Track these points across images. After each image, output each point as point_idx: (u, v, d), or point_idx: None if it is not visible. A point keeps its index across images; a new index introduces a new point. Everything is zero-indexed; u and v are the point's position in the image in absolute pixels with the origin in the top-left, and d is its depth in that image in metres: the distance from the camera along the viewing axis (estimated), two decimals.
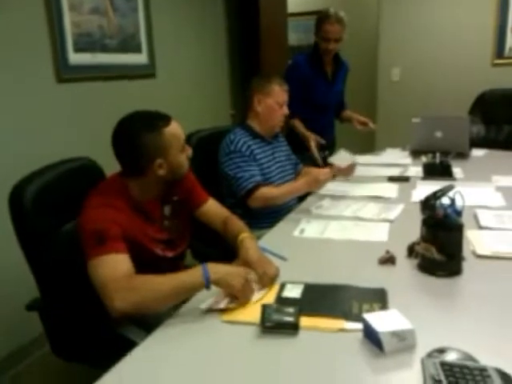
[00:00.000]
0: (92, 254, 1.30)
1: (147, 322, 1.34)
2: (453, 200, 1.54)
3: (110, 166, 1.53)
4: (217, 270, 1.27)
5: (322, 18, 2.76)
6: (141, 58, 3.00)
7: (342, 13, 2.78)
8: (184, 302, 1.31)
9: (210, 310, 1.25)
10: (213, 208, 1.74)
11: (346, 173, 2.36)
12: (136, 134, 1.40)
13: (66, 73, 2.43)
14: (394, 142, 3.48)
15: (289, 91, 2.46)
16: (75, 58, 2.48)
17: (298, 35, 5.81)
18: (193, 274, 1.27)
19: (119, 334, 1.36)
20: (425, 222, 1.42)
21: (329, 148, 2.87)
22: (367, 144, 4.94)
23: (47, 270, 1.47)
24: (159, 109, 3.26)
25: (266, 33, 4.27)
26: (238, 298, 1.26)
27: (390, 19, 4.63)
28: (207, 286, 1.25)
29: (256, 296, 1.31)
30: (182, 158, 1.50)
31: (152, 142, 1.40)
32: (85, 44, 2.54)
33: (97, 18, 2.61)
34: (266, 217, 2.07)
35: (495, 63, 4.31)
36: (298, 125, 2.86)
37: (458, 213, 1.55)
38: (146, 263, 1.45)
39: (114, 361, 1.07)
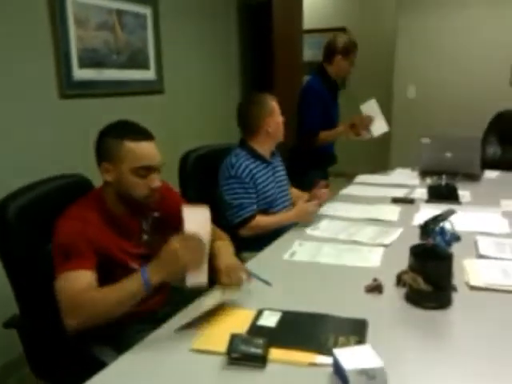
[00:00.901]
0: (57, 270, 1.33)
1: (120, 342, 1.32)
2: (442, 228, 1.47)
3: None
4: (156, 269, 1.27)
5: (355, 44, 2.96)
6: (148, 74, 3.03)
7: None
8: (159, 324, 1.29)
9: (184, 328, 1.24)
10: None
11: (320, 197, 2.23)
12: (103, 134, 1.47)
13: (69, 89, 2.46)
14: (409, 161, 3.40)
15: (309, 115, 2.89)
16: (80, 73, 2.51)
17: (314, 51, 5.80)
18: (134, 282, 1.27)
19: (92, 355, 1.34)
20: (412, 251, 1.36)
21: (333, 162, 3.19)
22: (381, 162, 4.86)
23: (28, 287, 1.45)
24: (167, 125, 3.27)
25: (280, 49, 4.26)
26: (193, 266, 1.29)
27: (407, 36, 4.58)
28: (148, 290, 1.27)
29: (208, 303, 1.31)
30: (135, 180, 1.43)
31: (109, 146, 1.43)
32: (90, 60, 2.57)
33: (103, 34, 2.65)
34: (259, 238, 2.02)
35: None
36: (327, 133, 2.93)
37: (448, 242, 1.48)
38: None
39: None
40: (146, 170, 1.44)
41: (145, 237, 1.55)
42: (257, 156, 2.16)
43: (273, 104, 2.17)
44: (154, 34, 3.02)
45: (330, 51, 2.95)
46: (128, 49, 2.82)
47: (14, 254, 1.43)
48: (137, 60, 2.91)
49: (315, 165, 2.99)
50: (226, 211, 2.07)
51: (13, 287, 1.45)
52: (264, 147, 2.19)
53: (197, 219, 1.36)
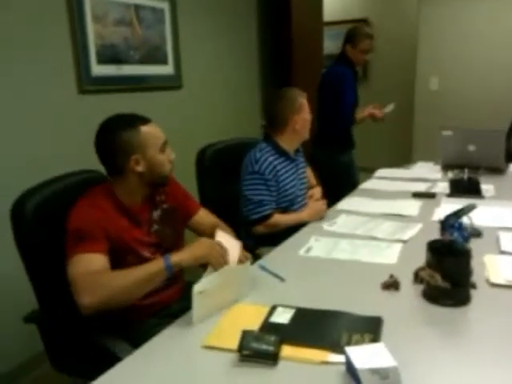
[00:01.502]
0: (69, 253, 1.35)
1: (136, 336, 1.33)
2: (460, 223, 1.43)
3: None
4: (178, 253, 1.35)
5: (362, 34, 3.15)
6: (167, 69, 3.03)
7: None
8: (174, 318, 1.29)
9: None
10: (204, 217, 1.76)
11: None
12: (112, 132, 1.45)
13: (88, 84, 2.48)
14: (432, 155, 3.32)
15: (348, 96, 3.11)
16: (98, 69, 2.53)
17: (335, 43, 5.71)
18: (154, 263, 1.34)
19: (107, 348, 1.35)
20: (429, 247, 1.33)
21: (354, 146, 3.38)
22: (403, 156, 4.78)
23: (47, 282, 1.47)
24: (185, 120, 3.29)
25: (299, 42, 4.21)
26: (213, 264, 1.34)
27: (430, 27, 4.47)
28: (169, 271, 1.32)
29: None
30: (162, 157, 1.50)
31: (128, 139, 1.44)
32: (109, 55, 2.59)
33: (122, 30, 2.65)
34: (276, 234, 2.00)
35: None
36: (358, 116, 3.20)
37: (466, 237, 1.44)
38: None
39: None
40: (164, 146, 1.52)
41: (155, 226, 1.57)
42: (281, 152, 2.12)
43: (302, 101, 2.12)
44: (171, 28, 3.02)
45: (343, 41, 3.18)
46: (146, 44, 2.83)
47: (32, 250, 1.46)
48: (155, 55, 2.91)
49: (342, 149, 3.26)
50: (244, 206, 2.05)
51: (32, 283, 1.47)
52: (289, 144, 2.15)
53: (228, 245, 1.44)
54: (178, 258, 1.33)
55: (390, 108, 3.22)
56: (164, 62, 2.99)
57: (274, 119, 2.13)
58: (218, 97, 3.58)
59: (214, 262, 1.34)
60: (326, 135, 3.22)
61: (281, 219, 2.05)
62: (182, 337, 1.21)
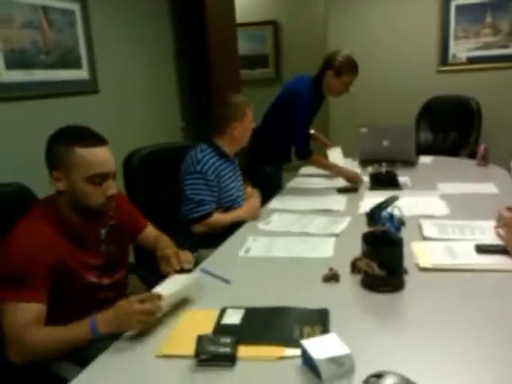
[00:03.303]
0: (3, 298, 1.27)
1: (81, 357, 1.27)
2: (391, 215, 1.52)
3: (48, 192, 1.44)
4: (107, 322, 1.23)
5: (348, 67, 2.71)
6: (81, 74, 2.90)
7: None
8: (119, 336, 1.24)
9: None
10: (151, 233, 1.72)
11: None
12: (53, 140, 1.38)
13: None
14: (348, 152, 3.47)
15: (298, 126, 2.71)
16: (8, 75, 2.36)
17: (250, 44, 5.81)
18: (80, 330, 1.24)
19: (52, 372, 1.28)
20: (364, 238, 1.40)
21: (287, 161, 2.98)
22: (321, 153, 4.96)
23: None
24: (102, 125, 3.14)
25: (215, 43, 4.22)
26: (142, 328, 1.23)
27: (338, 27, 4.71)
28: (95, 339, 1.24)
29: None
30: (89, 189, 1.36)
31: (57, 152, 1.36)
32: (18, 61, 2.43)
33: (30, 33, 2.50)
34: (214, 235, 2.01)
35: (440, 70, 4.44)
36: (322, 162, 2.85)
37: (397, 227, 1.54)
38: (80, 292, 1.40)
39: None
40: (101, 178, 1.38)
41: (103, 246, 1.50)
42: (221, 154, 2.14)
43: (246, 110, 2.16)
44: (84, 31, 2.89)
45: (325, 63, 2.75)
46: (58, 47, 2.68)
47: None
48: (68, 59, 2.77)
49: (270, 162, 2.90)
50: (184, 205, 2.05)
51: None
52: (228, 147, 2.18)
53: (176, 282, 1.36)
54: (106, 329, 1.23)
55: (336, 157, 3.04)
56: (78, 66, 2.86)
57: (216, 123, 2.16)
58: (137, 100, 3.49)
59: (140, 328, 1.23)
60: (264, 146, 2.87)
61: (220, 218, 2.07)
62: (132, 349, 1.17)
